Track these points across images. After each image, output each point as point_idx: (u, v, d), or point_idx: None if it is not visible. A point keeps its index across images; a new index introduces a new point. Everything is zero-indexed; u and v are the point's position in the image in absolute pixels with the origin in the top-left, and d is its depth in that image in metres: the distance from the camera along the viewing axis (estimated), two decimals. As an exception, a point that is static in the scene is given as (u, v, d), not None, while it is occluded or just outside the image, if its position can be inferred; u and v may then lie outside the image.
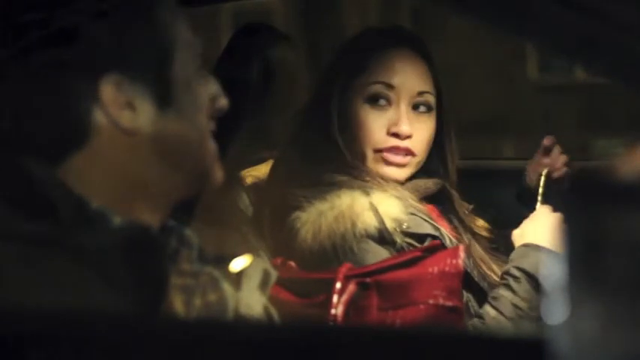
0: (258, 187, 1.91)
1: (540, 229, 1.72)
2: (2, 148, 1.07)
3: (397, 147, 1.72)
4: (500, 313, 1.62)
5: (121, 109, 1.04)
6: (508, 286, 1.64)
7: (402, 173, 1.75)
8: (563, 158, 1.91)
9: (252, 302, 1.12)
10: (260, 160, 2.06)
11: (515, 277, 1.64)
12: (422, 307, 1.56)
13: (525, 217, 1.78)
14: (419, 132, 1.74)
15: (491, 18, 0.90)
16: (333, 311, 1.55)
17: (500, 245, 1.84)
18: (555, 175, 1.89)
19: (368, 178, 1.71)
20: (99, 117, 1.04)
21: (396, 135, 1.72)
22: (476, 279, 1.69)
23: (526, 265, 1.65)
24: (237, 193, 1.91)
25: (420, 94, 1.75)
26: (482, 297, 1.67)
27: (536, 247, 1.68)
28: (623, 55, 0.84)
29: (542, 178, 1.87)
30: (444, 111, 1.80)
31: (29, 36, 1.04)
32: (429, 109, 1.76)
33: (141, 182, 1.07)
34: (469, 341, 0.82)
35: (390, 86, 1.73)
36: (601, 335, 0.61)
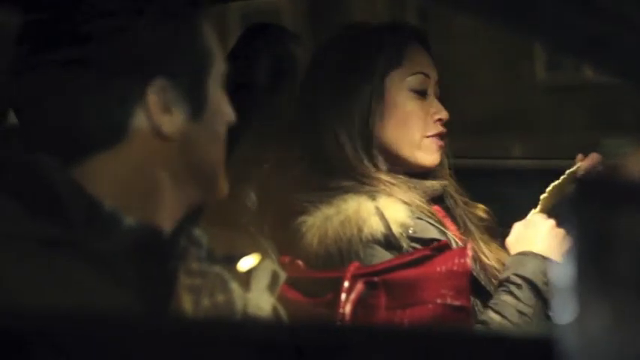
0: (264, 187, 1.91)
1: (536, 236, 1.72)
2: (16, 145, 1.07)
3: (441, 132, 1.79)
4: (505, 318, 1.62)
5: (163, 113, 1.05)
6: (510, 293, 1.64)
7: (439, 157, 1.80)
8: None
9: (261, 303, 1.12)
10: (268, 160, 2.06)
11: (516, 284, 1.64)
12: (430, 306, 1.55)
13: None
14: None
15: (499, 17, 0.90)
16: (340, 310, 1.55)
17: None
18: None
19: (375, 183, 1.71)
20: (139, 119, 1.05)
21: (440, 120, 1.78)
22: (483, 283, 1.70)
23: (525, 272, 1.65)
24: (245, 193, 1.91)
25: (437, 82, 1.81)
26: (489, 301, 1.67)
27: (533, 255, 1.68)
28: (632, 54, 0.84)
29: (561, 180, 1.79)
30: None
31: (64, 33, 1.05)
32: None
33: (160, 186, 1.07)
34: (478, 341, 0.82)
35: (428, 76, 1.78)
36: (609, 335, 0.61)
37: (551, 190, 1.78)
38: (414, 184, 1.75)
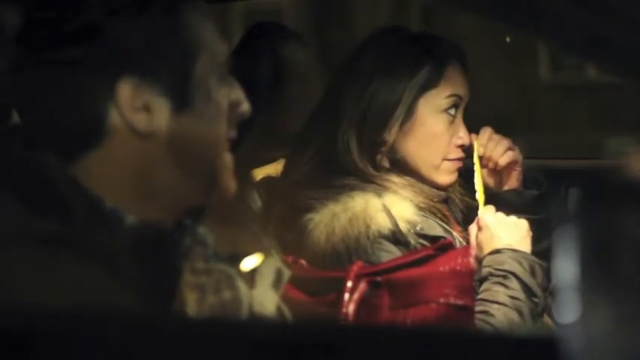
0: (268, 185, 1.91)
1: (496, 233, 1.71)
2: (17, 144, 1.07)
3: (461, 158, 1.78)
4: (501, 304, 1.62)
5: (137, 111, 1.04)
6: (498, 283, 1.65)
7: (455, 177, 1.79)
8: (502, 145, 1.84)
9: (266, 301, 1.12)
10: (271, 159, 2.06)
11: (501, 276, 1.65)
12: (433, 305, 1.55)
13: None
14: None
15: (503, 17, 0.90)
16: (344, 310, 1.55)
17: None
18: (491, 165, 1.84)
19: (381, 182, 1.71)
20: (114, 118, 1.04)
21: (461, 146, 1.77)
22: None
23: (504, 267, 1.66)
24: (248, 192, 1.92)
25: (467, 102, 1.79)
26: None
27: (503, 251, 1.68)
28: (635, 54, 0.84)
29: (476, 170, 1.82)
30: None
31: (47, 33, 1.04)
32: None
33: (153, 184, 1.07)
34: (481, 340, 0.82)
35: (461, 98, 1.76)
36: (613, 334, 0.61)
37: (478, 186, 1.80)
38: (420, 187, 1.75)
